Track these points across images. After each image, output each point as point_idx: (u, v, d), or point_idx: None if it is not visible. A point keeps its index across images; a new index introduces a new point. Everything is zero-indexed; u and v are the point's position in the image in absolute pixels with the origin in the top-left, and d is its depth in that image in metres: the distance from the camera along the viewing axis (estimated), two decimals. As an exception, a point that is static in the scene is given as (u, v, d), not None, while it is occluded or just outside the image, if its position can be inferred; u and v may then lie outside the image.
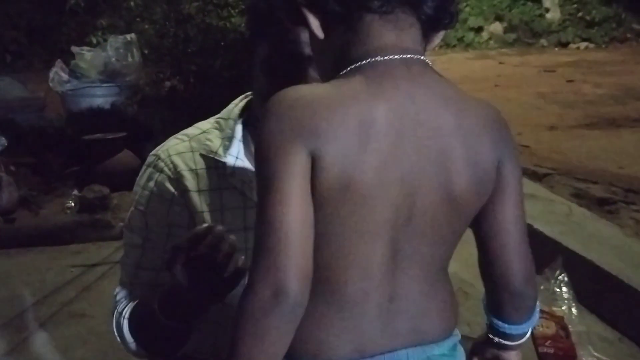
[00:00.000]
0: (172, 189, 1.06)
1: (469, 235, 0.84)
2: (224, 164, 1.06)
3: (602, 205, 3.06)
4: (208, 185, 1.07)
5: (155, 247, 1.08)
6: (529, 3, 11.16)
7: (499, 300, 0.86)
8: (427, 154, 0.73)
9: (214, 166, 1.07)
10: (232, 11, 4.34)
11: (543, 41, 10.38)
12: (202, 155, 1.07)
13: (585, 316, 2.25)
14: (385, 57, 0.74)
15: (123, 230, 1.15)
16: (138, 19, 4.43)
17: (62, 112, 5.16)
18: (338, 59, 0.77)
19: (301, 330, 0.72)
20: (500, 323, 0.88)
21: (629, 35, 10.27)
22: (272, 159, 0.70)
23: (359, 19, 0.75)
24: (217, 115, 1.13)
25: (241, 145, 1.08)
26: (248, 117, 1.10)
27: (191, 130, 1.12)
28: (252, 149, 1.06)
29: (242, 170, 1.07)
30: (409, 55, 0.75)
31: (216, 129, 1.10)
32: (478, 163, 0.76)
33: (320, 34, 0.78)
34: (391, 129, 0.72)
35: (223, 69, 4.27)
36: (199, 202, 1.06)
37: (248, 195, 1.06)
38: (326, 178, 0.70)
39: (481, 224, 0.82)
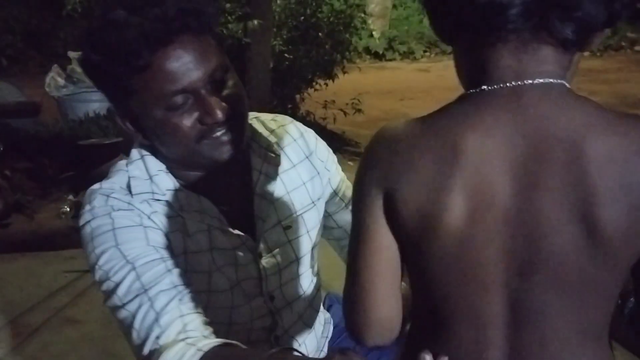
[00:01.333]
0: (138, 214, 0.99)
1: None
2: (166, 202, 1.01)
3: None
4: (168, 215, 1.01)
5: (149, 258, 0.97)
6: (525, 11, 11.22)
7: None
8: (549, 187, 0.63)
9: (161, 204, 1.02)
10: (229, 17, 4.35)
11: (538, 49, 10.44)
12: (143, 197, 1.00)
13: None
14: (493, 87, 0.66)
15: (103, 292, 0.97)
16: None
17: (58, 117, 5.16)
18: (465, 80, 0.72)
19: None
20: None
21: (623, 44, 10.34)
22: (356, 201, 0.74)
23: (480, 46, 0.67)
24: (128, 159, 1.06)
25: (172, 176, 1.03)
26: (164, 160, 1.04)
27: (116, 178, 1.03)
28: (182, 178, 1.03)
29: (187, 200, 1.03)
30: (525, 82, 0.66)
31: (135, 172, 1.03)
32: (635, 194, 0.62)
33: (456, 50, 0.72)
34: (488, 163, 0.65)
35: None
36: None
37: (209, 222, 1.03)
38: (406, 216, 0.68)
39: None
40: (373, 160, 0.71)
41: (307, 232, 1.15)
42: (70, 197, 3.88)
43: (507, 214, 0.64)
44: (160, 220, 1.01)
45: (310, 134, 1.19)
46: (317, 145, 1.19)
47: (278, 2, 4.75)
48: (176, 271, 0.97)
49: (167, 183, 1.02)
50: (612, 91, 7.13)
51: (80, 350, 2.35)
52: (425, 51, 10.08)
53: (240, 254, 1.07)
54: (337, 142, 5.17)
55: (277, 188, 1.11)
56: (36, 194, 4.06)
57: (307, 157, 1.16)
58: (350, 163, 4.92)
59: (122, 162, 1.06)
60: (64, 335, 2.47)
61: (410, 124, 0.70)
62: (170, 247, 1.00)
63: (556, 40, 0.65)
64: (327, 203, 1.21)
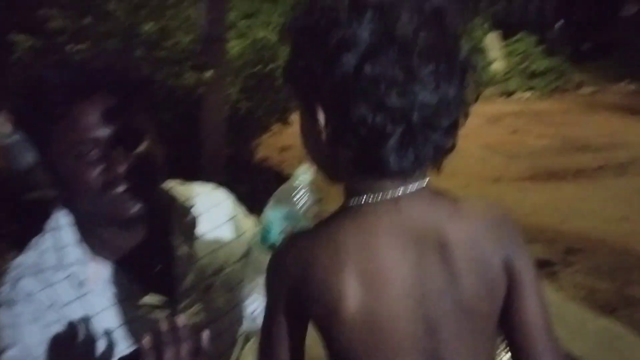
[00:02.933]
0: (37, 308, 1.04)
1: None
2: (70, 275, 1.06)
3: (542, 267, 3.15)
4: (67, 298, 1.06)
5: None
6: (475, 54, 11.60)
7: None
8: (431, 269, 0.80)
9: (65, 278, 1.06)
10: (183, 67, 4.34)
11: (489, 91, 10.77)
12: (48, 273, 1.06)
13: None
14: (374, 199, 0.81)
15: None
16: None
17: (5, 166, 5.01)
18: (339, 170, 0.84)
19: None
20: None
21: (569, 86, 10.78)
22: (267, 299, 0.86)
23: (362, 168, 0.80)
24: (45, 227, 1.12)
25: (83, 247, 1.08)
26: (77, 218, 1.09)
27: (29, 251, 1.10)
28: (98, 247, 1.08)
29: (96, 273, 1.07)
30: (399, 191, 0.81)
31: (46, 244, 1.09)
32: (484, 264, 0.82)
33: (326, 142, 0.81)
34: (377, 254, 0.79)
35: (173, 122, 4.26)
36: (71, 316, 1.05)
37: (113, 294, 1.07)
38: (311, 308, 0.81)
39: (505, 325, 0.86)
40: (278, 265, 0.83)
41: (229, 290, 1.19)
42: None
43: (405, 291, 0.79)
44: (63, 309, 1.05)
45: (234, 201, 1.28)
46: (242, 210, 1.28)
47: (234, 49, 4.79)
48: None
49: (74, 255, 1.06)
50: (560, 135, 7.39)
51: None
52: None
53: (157, 318, 1.08)
54: (293, 188, 5.17)
55: (198, 248, 1.16)
56: (-21, 249, 3.91)
57: (230, 220, 1.24)
58: (306, 210, 4.94)
59: (39, 235, 1.11)
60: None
61: (305, 234, 0.86)
62: (73, 336, 1.05)
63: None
64: None
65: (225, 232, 1.22)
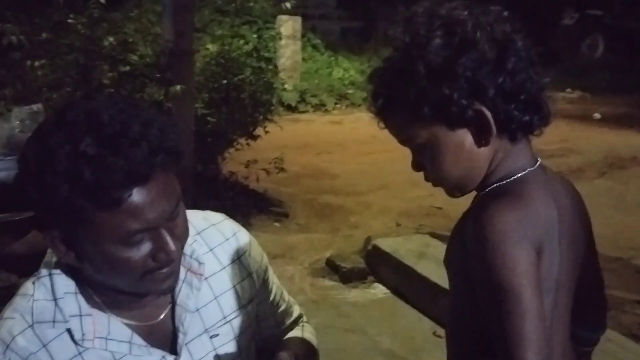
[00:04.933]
0: None
1: None
2: (69, 329, 0.97)
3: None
4: (66, 355, 0.97)
5: None
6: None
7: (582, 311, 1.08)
8: (570, 230, 0.98)
9: (63, 332, 0.97)
10: (147, 81, 4.23)
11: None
12: (44, 326, 0.97)
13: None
14: (533, 168, 0.97)
15: None
16: (45, 88, 4.21)
17: None
18: (491, 165, 0.96)
19: None
20: (580, 330, 1.10)
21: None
22: (514, 272, 0.86)
23: (521, 139, 0.96)
24: (37, 274, 1.02)
25: (80, 298, 0.99)
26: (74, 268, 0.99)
27: (19, 303, 1.00)
28: (97, 298, 1.00)
29: (95, 326, 0.99)
30: (539, 161, 0.99)
31: (39, 293, 1.00)
32: (585, 222, 1.07)
33: (482, 142, 0.94)
34: (555, 216, 0.95)
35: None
36: None
37: (114, 349, 0.99)
38: (545, 267, 0.91)
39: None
40: (522, 234, 0.88)
41: (235, 337, 1.12)
42: (-24, 280, 3.53)
43: (565, 250, 0.98)
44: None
45: (244, 233, 1.18)
46: (250, 245, 1.18)
47: (197, 64, 4.70)
48: None
49: (72, 308, 0.98)
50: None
51: None
52: (336, 103, 10.26)
53: None
54: (262, 203, 5.11)
55: (203, 295, 1.09)
56: None
57: (239, 258, 1.15)
58: (276, 224, 4.86)
59: (29, 284, 1.01)
60: None
61: (518, 204, 0.91)
62: None
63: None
64: (258, 306, 1.19)
65: (232, 273, 1.13)
